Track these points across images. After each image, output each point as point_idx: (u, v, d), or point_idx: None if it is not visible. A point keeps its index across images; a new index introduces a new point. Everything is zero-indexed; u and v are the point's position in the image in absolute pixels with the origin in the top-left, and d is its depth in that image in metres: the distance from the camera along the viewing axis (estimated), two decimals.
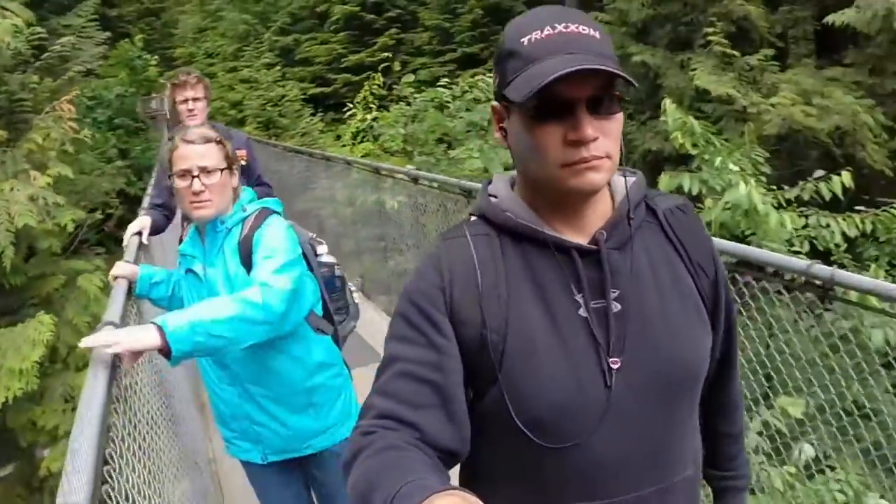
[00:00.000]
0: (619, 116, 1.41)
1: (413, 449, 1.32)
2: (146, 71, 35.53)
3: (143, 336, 2.52)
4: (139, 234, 4.48)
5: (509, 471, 1.51)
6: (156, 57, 38.58)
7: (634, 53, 11.69)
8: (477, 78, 11.79)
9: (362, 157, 12.39)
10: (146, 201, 6.21)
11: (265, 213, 3.17)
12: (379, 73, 14.49)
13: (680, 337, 1.51)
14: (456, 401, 1.43)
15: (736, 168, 6.14)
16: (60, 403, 7.46)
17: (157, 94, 40.48)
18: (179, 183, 3.06)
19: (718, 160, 6.13)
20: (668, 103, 6.58)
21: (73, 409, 7.40)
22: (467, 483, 1.55)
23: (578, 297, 1.46)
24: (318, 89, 30.77)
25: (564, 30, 1.37)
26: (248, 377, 3.22)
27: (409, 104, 12.80)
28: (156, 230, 4.89)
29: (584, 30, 1.38)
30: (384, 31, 31.03)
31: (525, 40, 1.38)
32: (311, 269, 3.35)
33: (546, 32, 1.37)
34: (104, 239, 13.24)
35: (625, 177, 1.56)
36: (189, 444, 4.18)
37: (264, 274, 2.87)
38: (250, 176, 5.24)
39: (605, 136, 1.38)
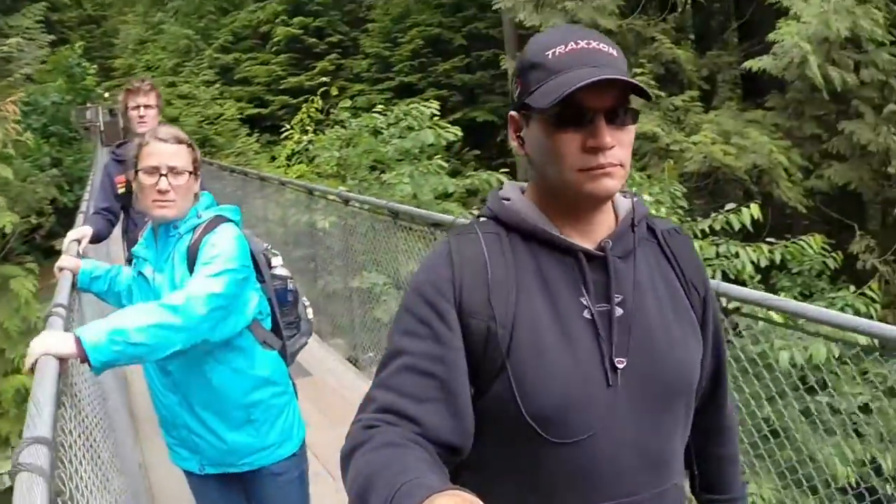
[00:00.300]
0: (633, 128, 1.49)
1: (413, 446, 1.33)
2: (84, 80, 34.84)
3: (60, 344, 2.50)
4: (78, 241, 4.47)
5: (507, 467, 1.53)
6: (95, 66, 38.07)
7: None
8: (411, 106, 11.92)
9: (296, 178, 12.51)
10: (86, 206, 6.21)
11: (218, 221, 3.11)
12: (318, 97, 14.60)
13: (677, 345, 1.57)
14: (460, 395, 1.46)
15: (650, 198, 6.43)
16: None
17: (92, 105, 39.96)
18: (146, 179, 3.02)
19: (634, 190, 6.43)
20: None
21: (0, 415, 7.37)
22: (459, 478, 1.54)
23: (584, 299, 1.52)
24: (256, 110, 30.79)
25: (587, 45, 1.45)
26: (188, 386, 3.14)
27: (344, 128, 12.91)
28: (97, 238, 4.91)
29: (603, 47, 1.45)
30: (325, 55, 31.26)
31: (549, 53, 1.46)
32: (262, 280, 3.29)
33: (570, 47, 1.44)
34: (31, 249, 13.07)
35: (624, 196, 1.64)
36: (121, 447, 4.22)
37: (195, 279, 2.85)
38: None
39: (620, 146, 1.45)
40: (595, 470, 1.49)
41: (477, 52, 28.72)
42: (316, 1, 32.62)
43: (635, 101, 1.48)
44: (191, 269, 3.00)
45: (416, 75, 28.58)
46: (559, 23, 12.44)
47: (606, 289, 1.52)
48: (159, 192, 3.00)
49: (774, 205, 10.23)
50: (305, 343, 3.68)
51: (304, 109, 14.87)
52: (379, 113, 12.20)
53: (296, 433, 3.38)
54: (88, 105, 39.10)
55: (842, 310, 6.94)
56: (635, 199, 1.64)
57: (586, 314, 1.50)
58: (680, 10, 12.08)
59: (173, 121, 31.26)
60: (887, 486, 5.08)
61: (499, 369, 1.47)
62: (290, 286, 3.55)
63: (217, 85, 32.01)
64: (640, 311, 1.54)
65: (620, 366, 1.49)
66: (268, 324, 3.30)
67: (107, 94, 42.62)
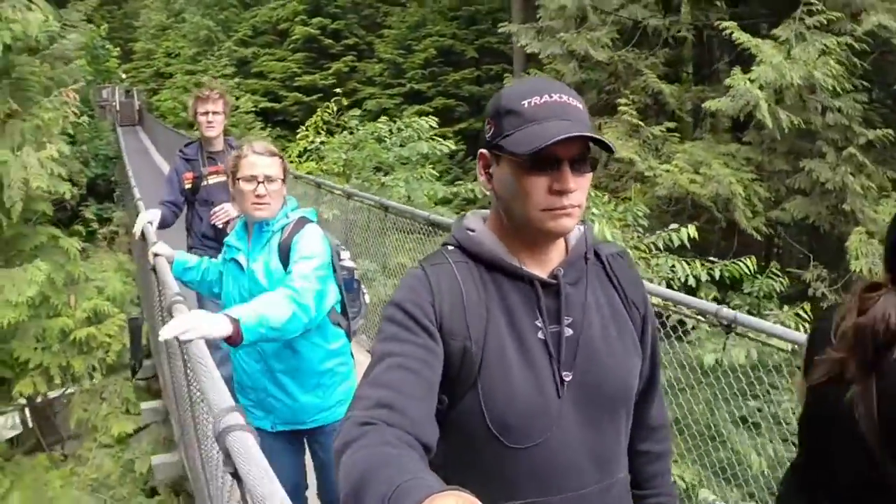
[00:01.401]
0: (590, 175, 1.63)
1: (408, 449, 1.39)
2: (107, 61, 35.24)
3: (219, 326, 2.84)
4: (150, 223, 5.12)
5: (474, 468, 1.66)
6: (117, 48, 38.57)
7: None
8: (412, 119, 13.04)
9: (306, 174, 13.46)
10: (130, 191, 6.66)
11: (303, 222, 3.55)
12: (333, 102, 15.54)
13: (618, 358, 1.73)
14: (435, 398, 1.58)
15: (598, 212, 7.35)
16: (32, 342, 8.52)
17: (108, 85, 40.43)
18: (245, 186, 3.46)
19: (598, 211, 7.39)
20: None
21: (44, 349, 8.43)
22: None
23: (538, 322, 1.67)
24: (270, 104, 31.35)
25: (559, 99, 1.59)
26: (275, 356, 3.58)
27: (351, 133, 13.95)
28: (163, 224, 5.40)
29: (572, 101, 1.60)
30: (340, 57, 31.96)
31: (525, 103, 1.58)
32: (334, 271, 3.68)
33: (544, 99, 1.58)
34: (63, 215, 14.06)
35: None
36: None
37: (301, 276, 3.27)
38: None
39: (580, 190, 1.60)
40: (549, 469, 1.66)
41: (487, 65, 29.39)
42: (335, 3, 33.28)
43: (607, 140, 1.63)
44: (283, 260, 3.47)
45: (426, 83, 29.38)
46: (557, 51, 13.46)
47: (558, 312, 1.69)
48: (257, 196, 3.46)
49: (741, 231, 11.09)
50: (362, 324, 4.08)
51: (318, 113, 15.78)
52: (383, 123, 13.42)
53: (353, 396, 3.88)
54: (105, 84, 39.54)
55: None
56: (586, 227, 1.82)
57: (540, 335, 1.67)
58: (668, 45, 12.94)
59: (188, 108, 31.81)
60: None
61: (471, 384, 1.62)
62: (356, 276, 3.98)
63: (234, 80, 32.54)
64: (586, 331, 1.70)
65: (567, 379, 1.66)
66: (338, 308, 3.73)
67: (124, 75, 43.15)
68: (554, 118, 1.56)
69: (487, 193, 1.74)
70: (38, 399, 9.18)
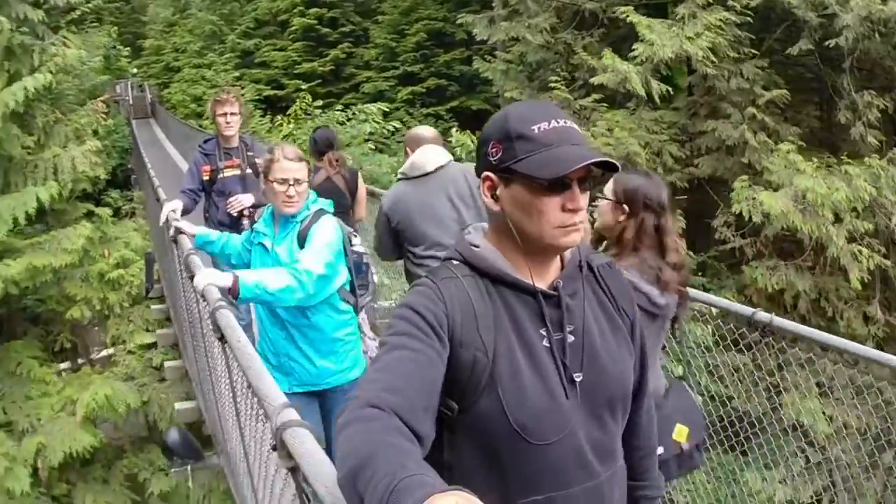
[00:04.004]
0: (588, 193, 1.74)
1: (406, 440, 1.43)
2: (119, 62, 36.81)
3: (222, 278, 3.58)
4: (174, 210, 5.56)
5: (493, 469, 1.75)
6: (127, 48, 39.98)
7: (508, 90, 14.78)
8: (364, 106, 16.34)
9: None
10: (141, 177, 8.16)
11: (320, 213, 4.03)
12: (308, 95, 18.31)
13: (616, 361, 1.86)
14: (435, 398, 1.65)
15: None
16: (79, 282, 11.80)
17: (121, 80, 41.78)
18: (278, 187, 3.94)
19: None
20: None
21: (87, 286, 11.87)
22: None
23: (543, 331, 1.78)
24: (273, 91, 32.54)
25: (565, 124, 1.72)
26: (295, 326, 4.08)
27: (314, 119, 17.20)
28: (185, 211, 5.72)
29: (573, 125, 1.74)
30: (337, 44, 33.05)
31: (536, 128, 1.69)
32: (346, 255, 4.16)
33: (552, 125, 1.70)
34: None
35: None
36: None
37: (309, 261, 3.76)
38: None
39: (584, 207, 1.73)
40: (564, 464, 1.76)
41: (477, 45, 30.21)
42: None
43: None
44: (300, 245, 3.95)
45: (419, 65, 30.24)
46: (502, 37, 15.14)
47: (561, 321, 1.79)
48: (288, 196, 3.94)
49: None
50: (370, 301, 4.58)
51: (296, 104, 18.44)
52: (339, 110, 16.70)
53: (360, 363, 4.36)
54: (118, 80, 40.83)
55: None
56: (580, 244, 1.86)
57: (545, 343, 1.77)
58: (604, 26, 14.41)
59: (197, 100, 33.31)
60: None
61: (483, 389, 1.71)
62: (365, 259, 4.42)
63: (236, 73, 33.89)
64: (587, 337, 1.81)
65: (578, 379, 1.78)
66: (347, 286, 4.22)
67: (135, 70, 44.53)
68: (565, 143, 1.68)
69: (495, 211, 1.79)
70: (85, 323, 12.40)
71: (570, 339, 1.79)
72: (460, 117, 26.12)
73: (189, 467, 6.62)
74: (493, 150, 1.74)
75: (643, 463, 2.07)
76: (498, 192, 1.77)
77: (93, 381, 10.93)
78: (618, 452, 1.91)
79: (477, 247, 1.83)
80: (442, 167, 4.64)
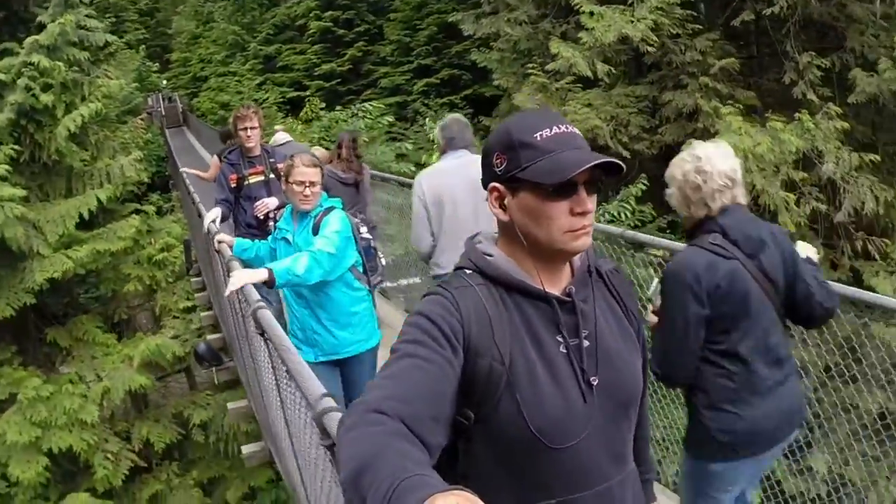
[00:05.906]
0: (595, 196, 1.74)
1: (409, 443, 1.42)
2: (149, 76, 38.76)
3: (258, 274, 4.02)
4: (213, 221, 6.16)
5: (509, 473, 1.77)
6: (156, 62, 41.94)
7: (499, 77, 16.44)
8: (366, 104, 18.56)
9: None
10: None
11: (330, 209, 4.50)
12: (317, 99, 20.23)
13: (629, 364, 1.90)
14: (445, 407, 1.63)
15: None
16: (132, 263, 14.62)
17: (153, 93, 43.89)
18: (296, 188, 4.41)
19: None
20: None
21: (139, 267, 14.63)
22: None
23: (559, 337, 1.79)
24: (296, 93, 33.49)
25: (566, 130, 1.72)
26: (317, 303, 4.52)
27: (320, 120, 19.48)
28: (223, 218, 6.29)
29: (574, 130, 1.74)
30: (353, 43, 33.99)
31: (538, 136, 1.69)
32: (356, 241, 4.64)
33: (554, 131, 1.70)
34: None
35: None
36: None
37: (322, 243, 4.23)
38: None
39: (592, 210, 1.73)
40: (581, 467, 1.78)
41: (477, 38, 30.43)
42: None
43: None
44: (315, 234, 4.44)
45: (432, 58, 30.85)
46: (487, 31, 16.62)
47: (576, 327, 1.81)
48: (304, 195, 4.43)
49: (613, 154, 13.68)
50: (380, 280, 5.04)
51: (306, 108, 20.66)
52: (339, 110, 18.94)
53: (375, 335, 4.83)
54: (150, 93, 42.89)
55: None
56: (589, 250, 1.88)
57: (562, 349, 1.79)
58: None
59: (224, 106, 34.61)
60: None
61: (500, 397, 1.71)
62: (372, 244, 4.92)
63: (259, 78, 35.12)
64: (601, 341, 1.84)
65: (595, 382, 1.79)
66: (360, 267, 4.71)
67: (164, 82, 46.40)
68: (568, 148, 1.69)
69: (505, 221, 1.79)
70: (138, 299, 15.57)
71: (586, 343, 1.81)
72: (475, 104, 26.60)
73: (214, 369, 8.82)
74: (498, 160, 1.76)
75: (644, 452, 2.17)
76: (506, 202, 1.78)
77: (145, 340, 13.82)
78: (629, 456, 1.93)
79: (490, 256, 1.84)
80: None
